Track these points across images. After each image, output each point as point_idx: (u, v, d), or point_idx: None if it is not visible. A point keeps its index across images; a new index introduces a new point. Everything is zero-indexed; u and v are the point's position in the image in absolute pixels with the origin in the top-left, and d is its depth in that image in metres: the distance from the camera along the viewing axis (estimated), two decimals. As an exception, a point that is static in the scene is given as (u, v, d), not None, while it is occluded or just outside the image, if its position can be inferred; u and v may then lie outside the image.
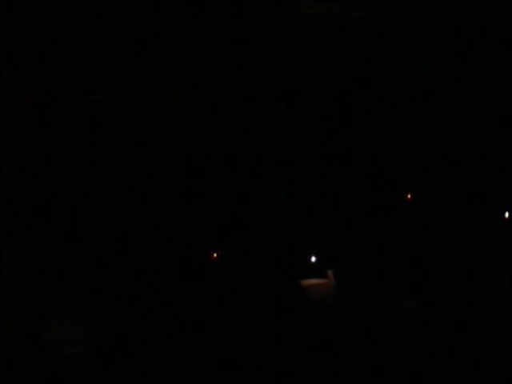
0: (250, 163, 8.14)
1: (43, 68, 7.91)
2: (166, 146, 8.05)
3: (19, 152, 7.81)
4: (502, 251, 7.89)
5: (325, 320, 7.67)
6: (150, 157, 8.01)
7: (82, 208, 7.88)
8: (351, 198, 8.20)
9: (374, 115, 8.28)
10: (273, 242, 8.04)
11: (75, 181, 7.92)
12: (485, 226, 8.08)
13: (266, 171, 8.14)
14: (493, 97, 8.28)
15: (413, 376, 7.24)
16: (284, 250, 8.04)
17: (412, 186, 8.31)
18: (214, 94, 8.14)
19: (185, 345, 7.49)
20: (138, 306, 7.65)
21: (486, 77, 8.30)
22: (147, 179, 7.99)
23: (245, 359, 7.39)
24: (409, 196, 8.25)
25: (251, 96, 8.23)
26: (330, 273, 7.95)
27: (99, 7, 7.89)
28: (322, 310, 7.75)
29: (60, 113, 7.93)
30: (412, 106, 8.31)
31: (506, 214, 8.06)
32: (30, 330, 7.41)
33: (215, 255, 7.89)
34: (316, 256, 8.02)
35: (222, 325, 7.60)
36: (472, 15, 8.30)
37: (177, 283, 7.82)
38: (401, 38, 8.29)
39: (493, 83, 8.26)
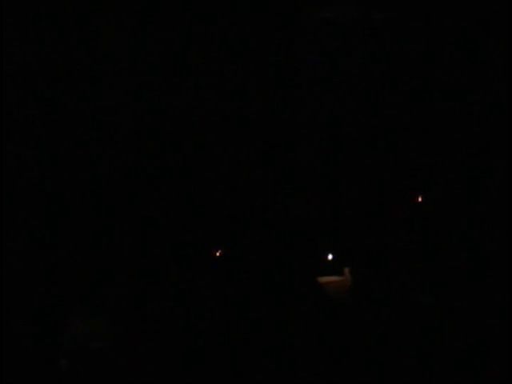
0: (266, 161, 8.26)
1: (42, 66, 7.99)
2: (169, 141, 8.14)
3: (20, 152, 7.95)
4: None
5: (341, 317, 7.78)
6: (153, 152, 8.12)
7: (103, 204, 8.03)
8: (368, 197, 8.28)
9: (392, 116, 8.34)
10: (290, 240, 8.15)
11: (85, 179, 8.06)
12: (499, 224, 8.10)
13: (283, 168, 8.24)
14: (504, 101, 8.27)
15: (428, 374, 7.35)
16: (301, 247, 8.15)
17: (426, 185, 8.37)
18: (228, 97, 8.26)
19: (202, 342, 7.65)
20: (159, 301, 7.82)
21: (498, 80, 8.31)
22: (154, 174, 8.11)
23: (260, 357, 7.56)
24: (419, 199, 8.30)
25: (269, 98, 8.32)
26: (346, 270, 8.07)
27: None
28: (338, 307, 7.86)
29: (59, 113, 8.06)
30: (429, 108, 8.36)
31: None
32: (54, 325, 7.58)
33: (218, 254, 8.02)
34: (333, 254, 8.16)
35: (238, 321, 7.78)
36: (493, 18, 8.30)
37: (191, 281, 8.00)
38: (419, 41, 8.33)
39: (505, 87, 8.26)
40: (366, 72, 8.40)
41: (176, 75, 8.19)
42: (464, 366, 7.33)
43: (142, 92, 8.17)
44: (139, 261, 7.92)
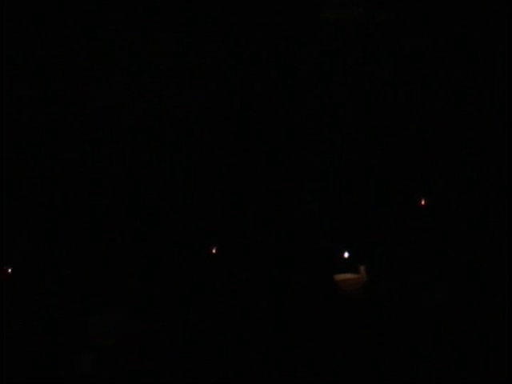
0: (281, 161, 8.28)
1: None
2: (169, 141, 8.15)
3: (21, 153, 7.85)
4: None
5: (356, 313, 7.93)
6: (152, 152, 8.10)
7: (117, 208, 8.02)
8: (383, 199, 8.43)
9: (401, 116, 8.42)
10: (307, 238, 8.29)
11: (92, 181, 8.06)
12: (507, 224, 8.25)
13: (299, 168, 8.33)
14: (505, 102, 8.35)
15: (439, 369, 7.50)
16: (318, 245, 8.27)
17: (436, 188, 8.52)
18: (229, 97, 8.31)
19: (216, 339, 7.73)
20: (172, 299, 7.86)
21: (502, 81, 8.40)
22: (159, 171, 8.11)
23: (277, 351, 7.68)
24: (422, 202, 8.43)
25: (273, 100, 8.33)
26: (362, 268, 8.21)
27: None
28: (353, 304, 8.01)
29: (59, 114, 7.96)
30: (435, 109, 8.46)
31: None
32: (70, 323, 7.56)
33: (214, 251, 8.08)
34: (349, 252, 8.29)
35: (258, 315, 7.87)
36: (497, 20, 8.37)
37: (207, 277, 8.04)
38: (425, 41, 8.36)
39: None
40: (368, 73, 8.44)
41: (176, 75, 8.12)
42: (474, 365, 7.50)
43: (141, 92, 8.08)
44: (146, 258, 8.06)
